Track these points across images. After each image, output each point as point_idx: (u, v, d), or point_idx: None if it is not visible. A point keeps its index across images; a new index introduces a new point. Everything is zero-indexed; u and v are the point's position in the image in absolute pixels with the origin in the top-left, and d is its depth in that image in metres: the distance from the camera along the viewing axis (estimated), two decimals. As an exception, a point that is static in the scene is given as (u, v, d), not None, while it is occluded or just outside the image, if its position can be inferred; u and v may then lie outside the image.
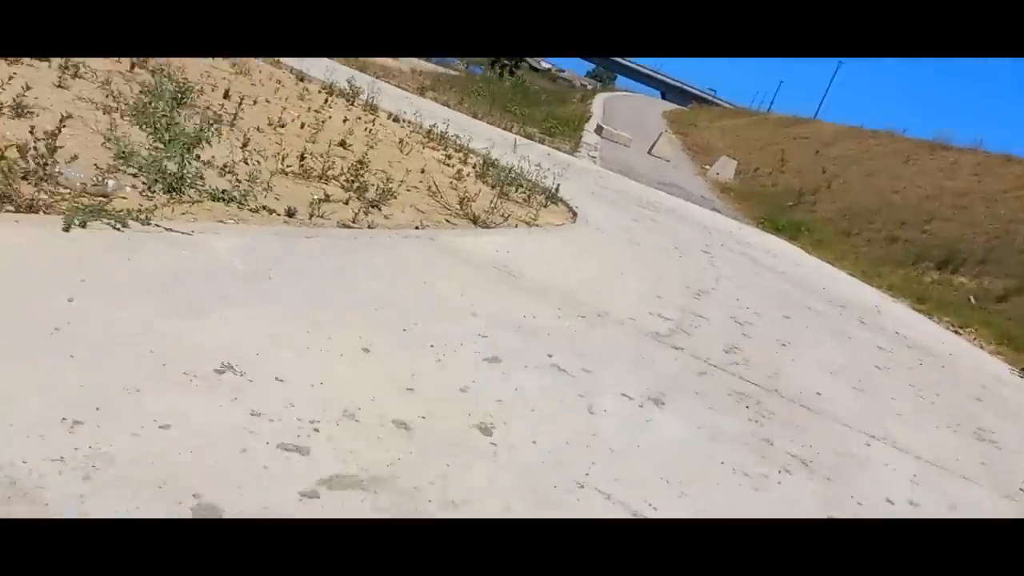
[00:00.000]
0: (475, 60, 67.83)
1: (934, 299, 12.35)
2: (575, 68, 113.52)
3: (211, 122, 5.96)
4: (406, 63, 31.34)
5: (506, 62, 58.36)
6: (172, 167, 4.59)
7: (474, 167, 10.00)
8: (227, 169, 5.42)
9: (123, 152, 4.41)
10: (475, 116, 17.13)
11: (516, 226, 7.49)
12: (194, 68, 9.45)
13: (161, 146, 4.85)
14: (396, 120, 12.04)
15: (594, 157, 18.33)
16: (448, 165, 9.67)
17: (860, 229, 17.71)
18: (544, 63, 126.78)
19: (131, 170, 4.50)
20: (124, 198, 4.06)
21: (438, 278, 4.70)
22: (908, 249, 15.69)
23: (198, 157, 5.23)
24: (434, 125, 11.60)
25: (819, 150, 25.99)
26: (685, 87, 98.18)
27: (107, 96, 5.99)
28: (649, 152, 23.92)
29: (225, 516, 2.07)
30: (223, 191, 4.75)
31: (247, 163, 5.84)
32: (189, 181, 4.64)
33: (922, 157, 23.17)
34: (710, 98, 72.38)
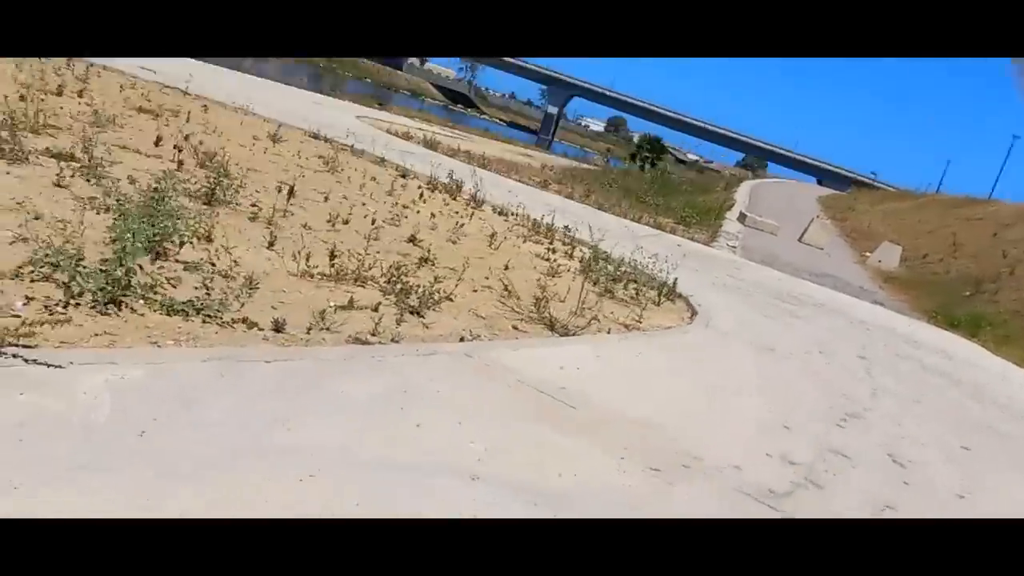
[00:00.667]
0: (616, 154, 66.98)
1: None
2: (727, 158, 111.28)
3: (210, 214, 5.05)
4: (537, 158, 30.95)
5: (647, 154, 57.40)
6: (119, 272, 3.60)
7: (580, 260, 8.75)
8: (222, 274, 4.43)
9: (46, 256, 3.47)
10: (600, 208, 15.99)
11: (608, 331, 6.12)
12: (270, 166, 8.86)
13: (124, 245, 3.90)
14: (502, 214, 11.05)
15: (734, 247, 16.65)
16: (545, 259, 8.48)
17: (1057, 322, 14.93)
18: (692, 155, 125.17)
19: (61, 277, 3.55)
20: (16, 315, 3.06)
21: (439, 417, 3.40)
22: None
23: (173, 258, 4.26)
24: (542, 217, 10.51)
25: (997, 232, 22.98)
26: (843, 172, 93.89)
27: (105, 193, 5.21)
28: (800, 240, 21.87)
29: None
30: (185, 302, 3.71)
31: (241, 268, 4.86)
32: (140, 290, 3.64)
33: None
34: (870, 181, 68.30)
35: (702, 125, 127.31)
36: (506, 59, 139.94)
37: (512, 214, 10.93)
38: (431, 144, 17.21)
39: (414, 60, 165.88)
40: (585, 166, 37.14)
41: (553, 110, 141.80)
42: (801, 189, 44.12)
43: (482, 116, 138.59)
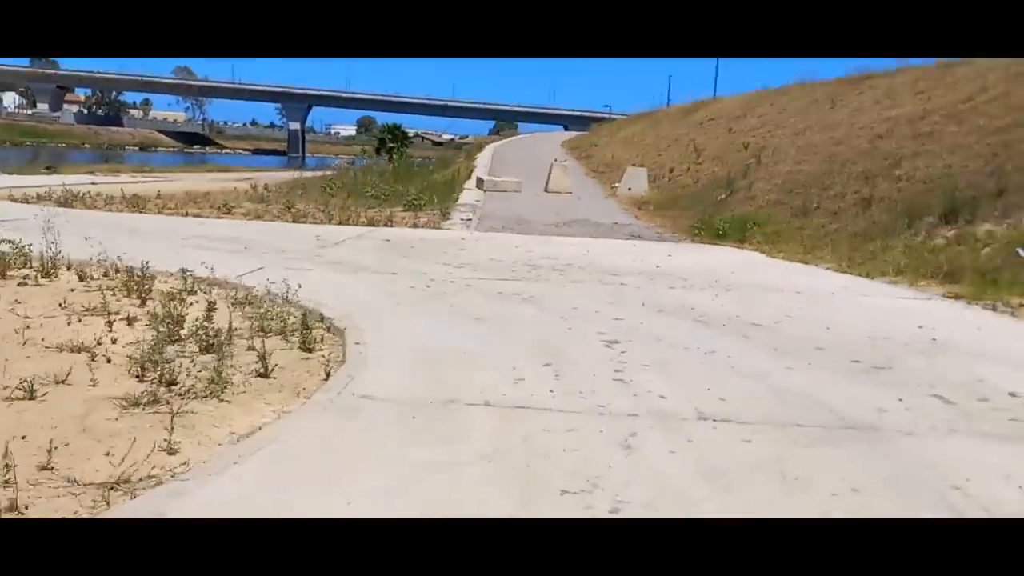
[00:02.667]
0: (369, 153, 63.14)
1: (968, 271, 8.36)
2: (481, 129, 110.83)
3: None
4: (259, 179, 27.33)
5: (391, 144, 54.74)
6: None
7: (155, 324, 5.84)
8: None
9: None
10: (295, 221, 13.04)
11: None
12: None
13: None
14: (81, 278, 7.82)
15: (468, 220, 14.30)
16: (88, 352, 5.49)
17: (817, 201, 13.81)
18: (447, 135, 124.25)
19: None
20: None
21: None
22: (891, 209, 11.76)
23: None
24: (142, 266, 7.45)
25: (731, 127, 22.38)
26: (585, 113, 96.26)
27: None
28: (545, 190, 20.05)
29: None
30: None
31: None
32: None
33: (847, 95, 19.58)
34: (607, 115, 69.70)
35: (447, 103, 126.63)
36: (233, 84, 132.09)
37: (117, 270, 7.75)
38: (66, 202, 13.44)
39: (135, 112, 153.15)
40: (323, 173, 33.74)
41: (295, 126, 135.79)
42: (544, 139, 43.29)
43: (224, 152, 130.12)
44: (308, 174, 29.09)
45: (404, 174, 27.73)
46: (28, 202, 13.68)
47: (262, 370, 4.47)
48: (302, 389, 4.31)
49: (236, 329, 5.40)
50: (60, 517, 2.89)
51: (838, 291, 8.18)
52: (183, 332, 5.17)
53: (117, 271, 7.15)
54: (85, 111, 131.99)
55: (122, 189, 16.28)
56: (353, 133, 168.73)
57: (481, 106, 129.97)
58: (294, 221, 12.93)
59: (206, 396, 4.02)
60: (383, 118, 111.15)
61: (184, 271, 7.02)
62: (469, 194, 19.01)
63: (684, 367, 5.03)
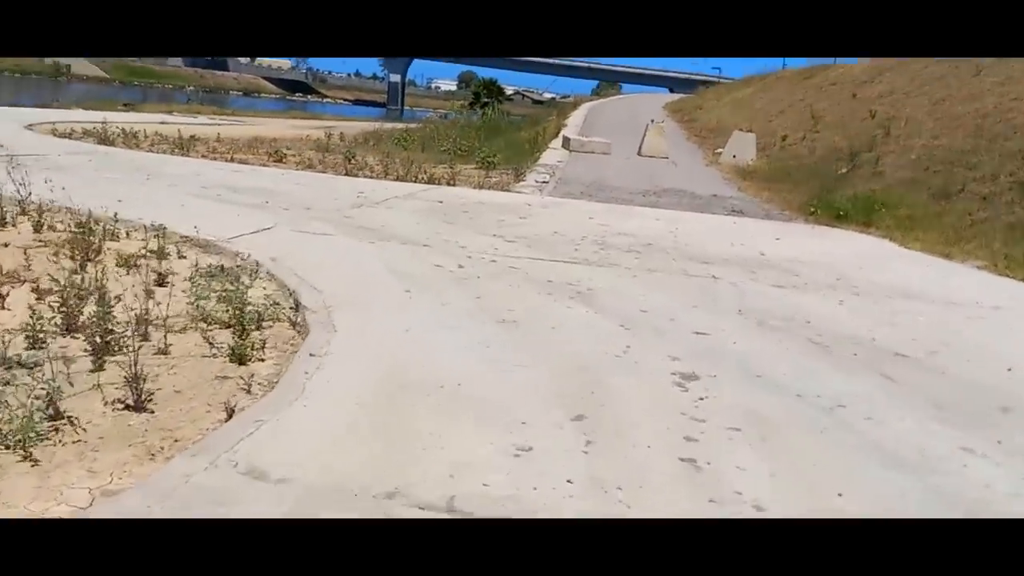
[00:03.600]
0: (460, 108, 61.57)
1: None
2: (584, 89, 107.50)
3: None
4: (340, 128, 26.15)
5: (486, 99, 52.98)
6: None
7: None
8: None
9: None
10: (348, 174, 11.59)
11: None
12: None
13: None
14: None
15: (543, 183, 12.58)
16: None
17: (962, 182, 11.48)
18: (547, 94, 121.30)
19: None
20: None
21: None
22: (1063, 197, 9.44)
23: None
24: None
25: (856, 92, 19.77)
26: (692, 76, 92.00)
27: None
28: (639, 154, 18.07)
29: None
30: None
31: None
32: None
33: (995, 62, 16.75)
34: (715, 79, 65.99)
35: (550, 62, 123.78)
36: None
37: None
38: (107, 140, 12.35)
39: (243, 59, 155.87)
40: (407, 126, 32.46)
41: (395, 78, 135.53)
42: (645, 100, 40.71)
43: (324, 100, 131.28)
44: (389, 125, 27.78)
45: (490, 130, 26.21)
46: (71, 137, 12.69)
47: (135, 398, 2.95)
48: (172, 441, 2.76)
49: (174, 316, 3.92)
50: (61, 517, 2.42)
51: (1006, 304, 6.15)
52: (84, 316, 3.72)
53: (82, 224, 5.78)
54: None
55: (179, 130, 15.24)
56: (454, 88, 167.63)
57: (584, 65, 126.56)
58: (347, 174, 11.48)
59: (9, 447, 2.53)
60: (485, 74, 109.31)
61: (157, 227, 5.60)
62: (552, 154, 17.23)
63: (795, 440, 3.25)
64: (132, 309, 3.81)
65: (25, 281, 4.34)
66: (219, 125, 22.48)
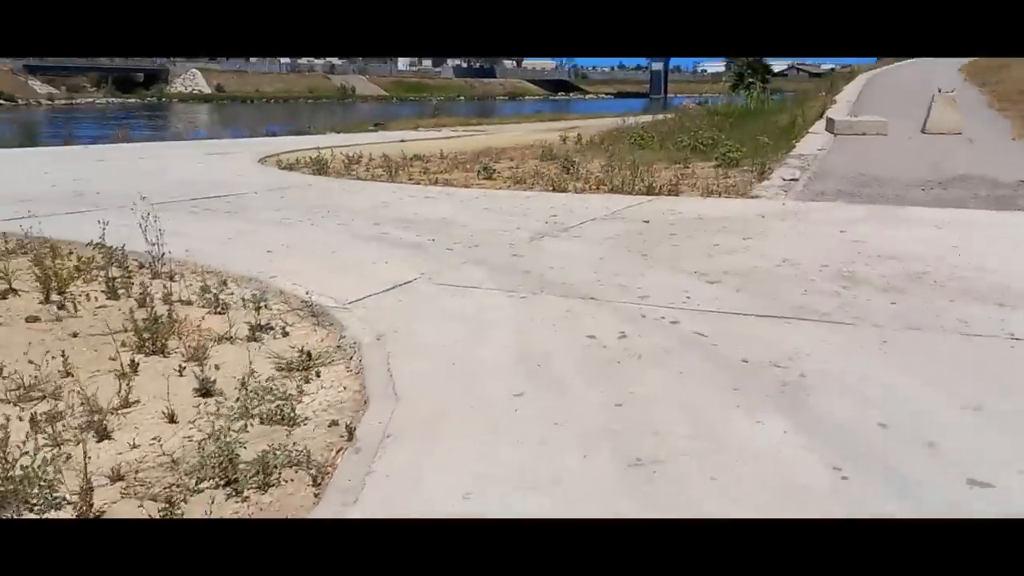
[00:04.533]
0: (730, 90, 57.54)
1: None
2: (868, 58, 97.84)
3: None
4: (583, 128, 25.05)
5: (751, 80, 49.16)
6: None
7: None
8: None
9: None
10: (560, 188, 10.28)
11: None
12: None
13: None
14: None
15: (792, 181, 10.42)
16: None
17: None
18: (825, 65, 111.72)
19: None
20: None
21: None
22: None
23: None
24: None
25: None
26: (996, 27, 79.74)
27: None
28: (923, 131, 14.96)
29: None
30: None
31: None
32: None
33: None
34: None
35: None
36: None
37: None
38: (321, 169, 12.14)
39: (508, 63, 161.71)
40: (655, 118, 30.64)
41: (657, 66, 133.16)
42: (938, 64, 35.05)
43: (587, 97, 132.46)
44: (633, 120, 26.15)
45: (746, 115, 23.82)
46: (292, 168, 12.68)
47: None
48: None
49: (149, 467, 2.83)
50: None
51: None
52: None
53: (208, 289, 4.98)
54: (464, 65, 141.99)
55: (402, 151, 14.93)
56: (721, 69, 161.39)
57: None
58: (554, 189, 10.20)
59: None
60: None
61: (257, 297, 4.66)
62: (812, 140, 14.73)
63: None
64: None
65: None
66: (458, 137, 22.36)
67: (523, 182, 11.04)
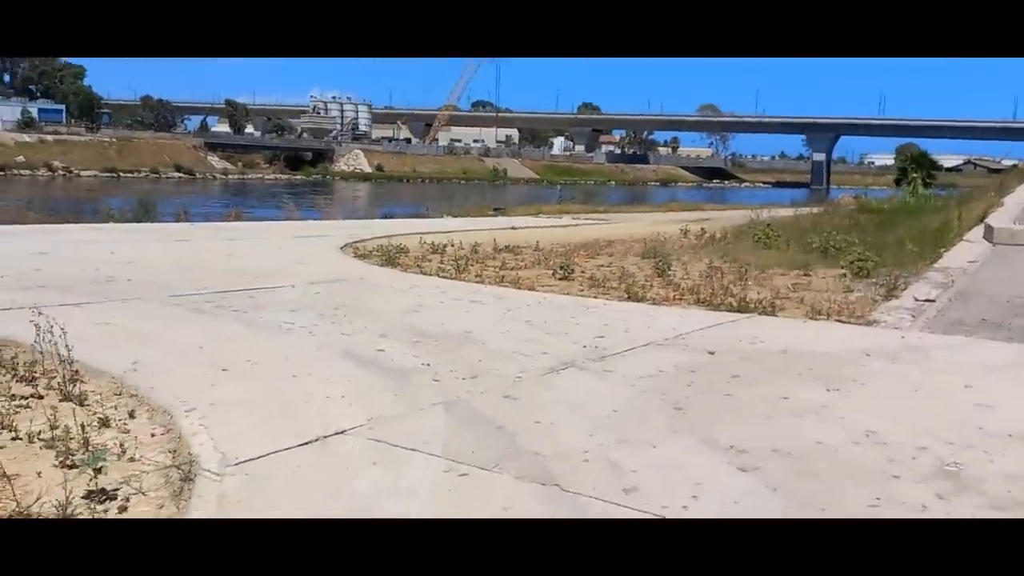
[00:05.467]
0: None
1: None
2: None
3: None
4: (715, 220, 23.30)
5: (914, 175, 45.68)
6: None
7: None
8: None
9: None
10: (636, 298, 8.85)
11: None
12: None
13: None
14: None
15: (925, 302, 8.52)
16: None
17: None
18: (1007, 160, 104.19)
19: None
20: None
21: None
22: None
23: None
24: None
25: None
26: None
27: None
28: (1108, 242, 12.45)
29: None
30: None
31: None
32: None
33: None
34: None
35: (994, 125, 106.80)
36: (756, 118, 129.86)
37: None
38: (391, 260, 11.30)
39: (663, 149, 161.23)
40: (804, 211, 28.26)
41: (820, 156, 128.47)
42: None
43: (743, 185, 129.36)
44: (768, 213, 24.16)
45: (901, 213, 21.55)
46: (366, 257, 11.92)
47: None
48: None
49: None
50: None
51: None
52: None
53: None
54: (618, 151, 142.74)
55: (495, 239, 13.97)
56: (890, 162, 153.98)
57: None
58: (629, 298, 8.79)
59: None
60: (930, 145, 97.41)
61: (121, 441, 3.57)
62: (964, 250, 12.56)
63: None
64: None
65: None
66: (576, 226, 21.31)
67: (602, 285, 9.69)
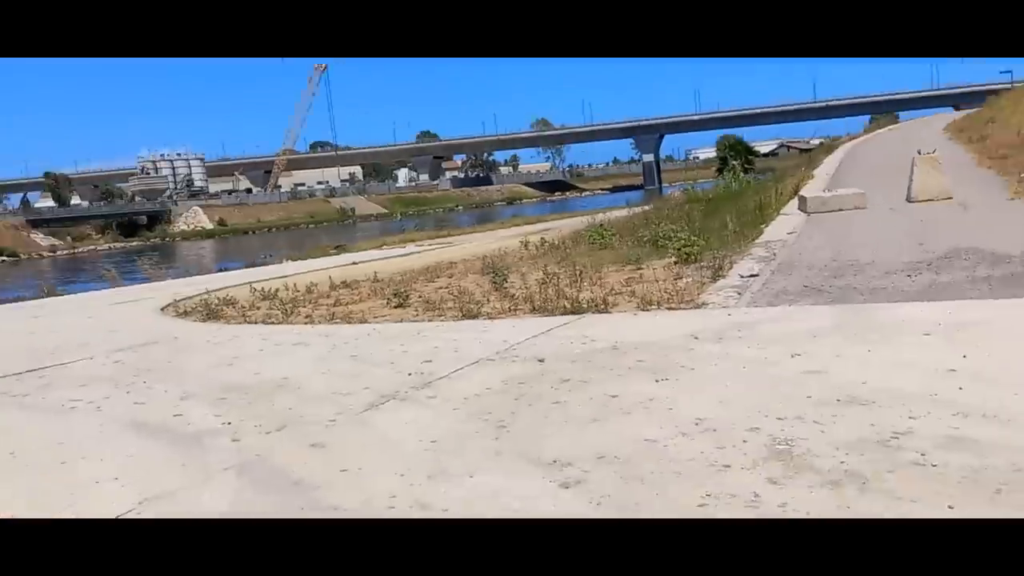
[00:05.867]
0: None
1: None
2: (855, 127, 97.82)
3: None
4: (553, 230, 23.46)
5: (734, 162, 47.98)
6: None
7: None
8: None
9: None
10: (470, 315, 8.50)
11: None
12: None
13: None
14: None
15: (750, 278, 8.64)
16: None
17: None
18: (815, 140, 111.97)
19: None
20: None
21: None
22: None
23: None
24: None
25: None
26: (977, 88, 79.78)
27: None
28: (908, 200, 13.25)
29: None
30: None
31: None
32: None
33: None
34: (1009, 85, 55.40)
35: (806, 106, 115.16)
36: (584, 128, 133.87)
37: None
38: (213, 314, 10.47)
39: (505, 169, 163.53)
40: (633, 211, 29.01)
41: (649, 158, 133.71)
42: (921, 126, 33.71)
43: (584, 194, 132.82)
44: (605, 216, 24.62)
45: (725, 199, 22.33)
46: (187, 315, 11.00)
47: None
48: None
49: None
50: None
51: None
52: None
53: None
54: (461, 175, 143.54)
55: (330, 276, 13.34)
56: (713, 154, 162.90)
57: (850, 101, 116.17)
58: (464, 316, 8.43)
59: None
60: (746, 133, 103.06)
61: None
62: (783, 223, 13.03)
63: None
64: None
65: None
66: (418, 253, 20.87)
67: (438, 308, 9.28)
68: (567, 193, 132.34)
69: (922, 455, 3.25)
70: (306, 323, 9.16)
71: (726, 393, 4.48)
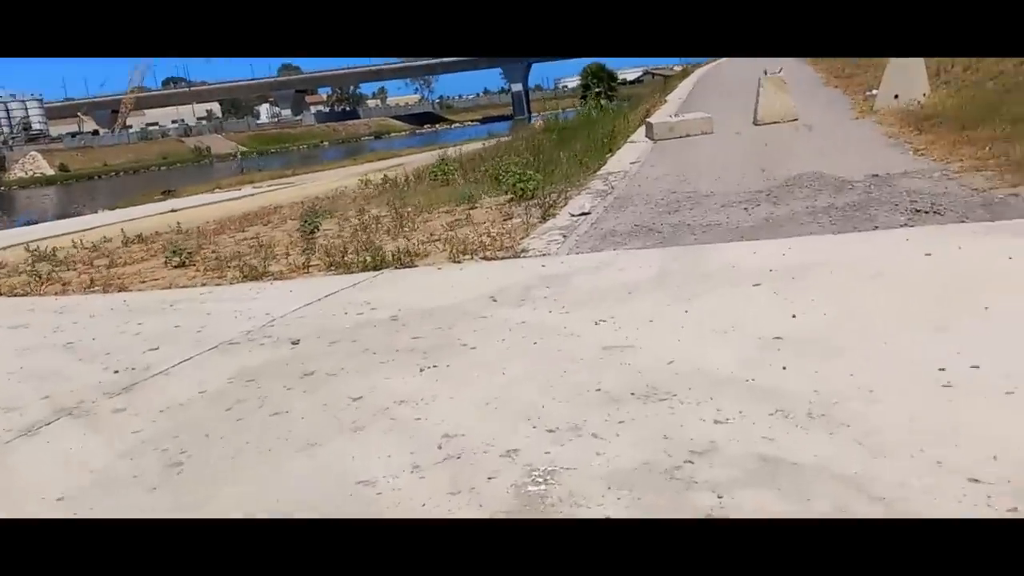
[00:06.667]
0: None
1: None
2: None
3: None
4: (406, 165, 21.94)
5: (598, 88, 47.19)
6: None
7: None
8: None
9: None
10: (257, 276, 7.15)
11: None
12: None
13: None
14: None
15: (581, 216, 7.62)
16: None
17: None
18: (678, 67, 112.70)
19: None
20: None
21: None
22: None
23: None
24: None
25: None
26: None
27: None
28: (754, 123, 12.59)
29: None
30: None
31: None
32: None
33: None
34: None
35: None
36: (451, 58, 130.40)
37: None
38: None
39: (372, 102, 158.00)
40: (486, 144, 27.65)
41: (517, 87, 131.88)
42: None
43: (454, 126, 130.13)
44: (463, 148, 23.26)
45: (582, 127, 21.38)
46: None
47: None
48: None
49: None
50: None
51: None
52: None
53: None
54: (327, 110, 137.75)
55: (123, 230, 11.55)
56: (578, 83, 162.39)
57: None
58: (245, 278, 7.05)
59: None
60: (614, 63, 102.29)
61: None
62: (629, 152, 12.12)
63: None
64: None
65: None
66: (251, 196, 19.03)
67: (222, 267, 7.86)
68: (437, 126, 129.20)
69: (719, 498, 2.25)
70: (58, 293, 7.56)
71: (500, 386, 3.41)
